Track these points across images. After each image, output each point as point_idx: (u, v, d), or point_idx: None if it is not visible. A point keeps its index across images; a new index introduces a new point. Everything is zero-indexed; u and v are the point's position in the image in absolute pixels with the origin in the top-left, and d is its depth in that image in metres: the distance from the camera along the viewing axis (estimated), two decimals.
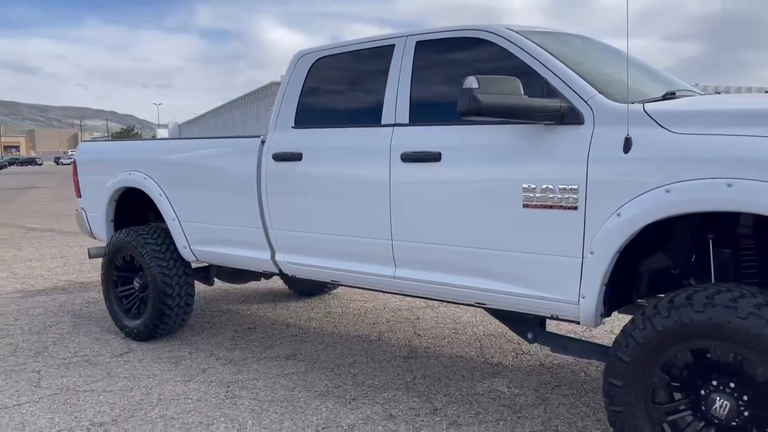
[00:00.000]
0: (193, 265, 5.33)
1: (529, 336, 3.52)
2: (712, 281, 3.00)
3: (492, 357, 4.64)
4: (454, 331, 5.30)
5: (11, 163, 76.45)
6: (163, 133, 52.52)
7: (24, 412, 3.83)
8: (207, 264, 5.28)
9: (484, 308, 3.54)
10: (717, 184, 2.55)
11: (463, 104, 2.90)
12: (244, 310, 6.24)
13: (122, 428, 3.57)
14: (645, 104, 2.90)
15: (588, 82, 3.08)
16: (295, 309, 6.21)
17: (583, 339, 3.46)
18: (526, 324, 3.51)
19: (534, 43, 3.28)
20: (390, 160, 3.58)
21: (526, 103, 2.96)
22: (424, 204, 3.48)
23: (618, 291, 3.11)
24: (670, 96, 3.17)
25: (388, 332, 5.34)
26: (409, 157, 3.50)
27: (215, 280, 5.59)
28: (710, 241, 3.01)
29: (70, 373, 4.50)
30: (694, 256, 3.13)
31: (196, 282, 5.44)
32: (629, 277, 3.20)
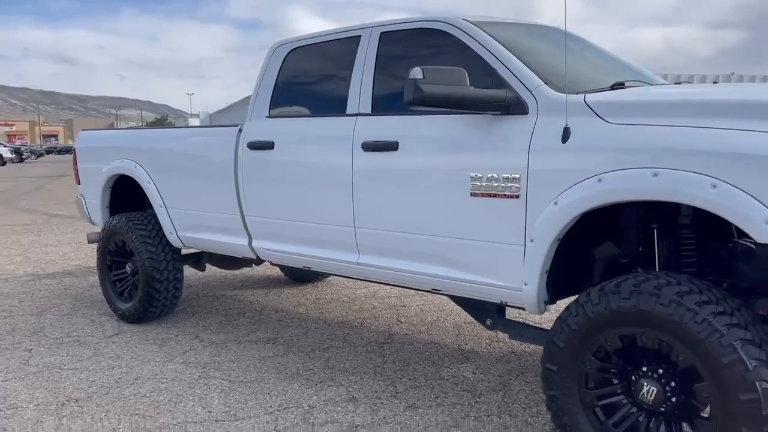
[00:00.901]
0: (185, 251, 5.50)
1: (488, 322, 3.59)
2: (656, 270, 3.04)
3: (466, 344, 4.71)
4: (436, 318, 5.38)
5: (49, 151, 78.23)
6: (194, 122, 53.34)
7: (8, 387, 4.03)
8: (199, 250, 5.44)
9: (440, 294, 3.61)
10: (644, 173, 2.59)
11: (408, 94, 2.98)
12: (237, 295, 6.40)
13: (95, 404, 3.74)
14: (586, 95, 2.93)
15: (536, 73, 3.12)
16: (287, 295, 6.35)
17: (539, 326, 3.50)
18: (485, 310, 3.57)
19: (487, 34, 3.33)
20: (353, 149, 3.67)
21: (471, 94, 3.02)
22: (383, 192, 3.56)
23: (568, 279, 3.16)
24: (618, 86, 3.19)
25: (371, 318, 5.44)
26: (369, 146, 3.59)
27: (214, 266, 5.76)
28: (655, 231, 3.04)
29: (60, 352, 4.70)
30: (641, 246, 3.16)
31: (194, 268, 5.64)
32: (582, 265, 3.25)
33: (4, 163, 44.51)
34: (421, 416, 3.51)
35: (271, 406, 3.66)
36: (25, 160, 48.73)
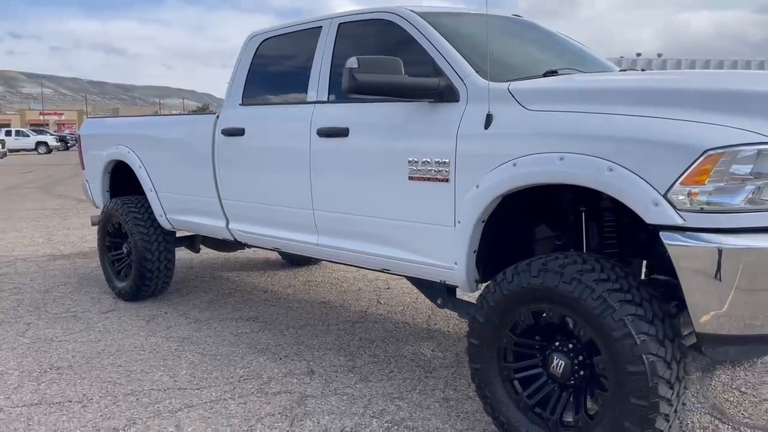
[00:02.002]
0: (180, 234, 5.78)
1: (439, 302, 3.74)
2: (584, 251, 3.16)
3: (435, 324, 4.88)
4: (414, 300, 5.55)
5: None
6: None
7: (0, 356, 4.35)
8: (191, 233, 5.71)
9: (390, 274, 3.78)
10: (552, 158, 2.71)
11: (344, 83, 3.15)
12: (233, 276, 6.67)
13: (74, 372, 4.04)
14: (511, 83, 3.06)
15: (470, 63, 3.25)
16: (281, 277, 6.59)
17: None
18: (436, 290, 3.72)
19: (430, 24, 3.47)
20: (310, 136, 3.85)
21: (404, 82, 3.17)
22: (335, 177, 3.75)
23: (508, 259, 3.29)
24: (550, 74, 3.30)
25: (352, 300, 5.64)
26: (323, 133, 3.77)
27: (209, 249, 6.02)
28: (583, 214, 3.16)
29: (55, 326, 5.02)
30: (574, 229, 3.28)
31: (189, 250, 5.92)
32: (522, 246, 3.38)
33: (50, 151, 46.08)
34: (369, 389, 3.70)
35: (233, 377, 3.90)
36: (71, 148, 50.22)
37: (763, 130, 2.37)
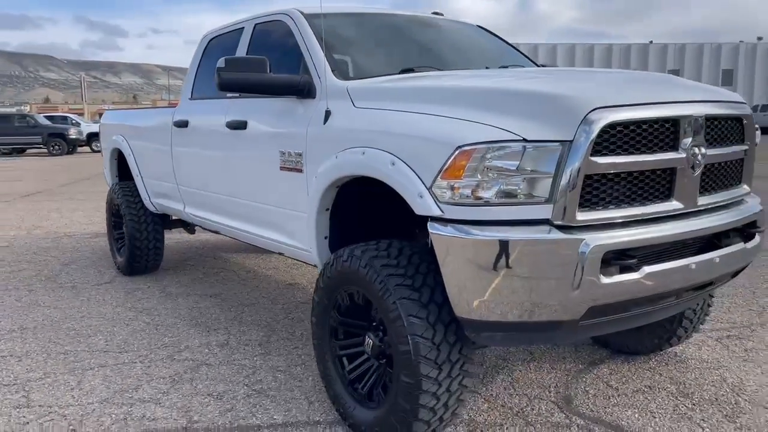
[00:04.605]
0: (175, 216, 6.33)
1: None
2: None
3: None
4: None
5: None
6: None
7: None
8: None
9: (285, 256, 4.09)
10: (357, 152, 2.93)
11: (215, 80, 3.48)
12: (232, 258, 7.17)
13: (33, 332, 4.64)
14: (351, 81, 3.28)
15: (330, 62, 3.49)
16: (273, 260, 7.01)
17: None
18: None
19: (309, 25, 3.73)
20: (224, 128, 4.22)
21: (266, 79, 3.46)
22: (238, 167, 4.10)
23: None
24: (407, 71, 3.47)
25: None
26: (231, 125, 4.12)
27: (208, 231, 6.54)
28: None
29: (51, 294, 5.71)
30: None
31: (186, 231, 6.46)
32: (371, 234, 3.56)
33: None
34: (265, 361, 4.03)
35: (156, 345, 4.36)
36: None
37: (522, 128, 2.47)
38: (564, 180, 2.40)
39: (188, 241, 8.01)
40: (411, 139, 2.67)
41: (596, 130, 2.41)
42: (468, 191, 2.49)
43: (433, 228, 2.56)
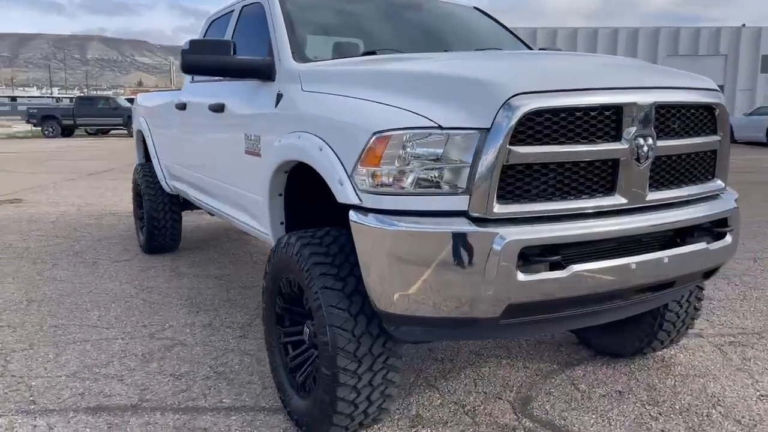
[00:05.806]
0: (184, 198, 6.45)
1: None
2: None
3: None
4: None
5: None
6: None
7: (5, 288, 5.30)
8: None
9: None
10: (294, 136, 2.87)
11: (179, 63, 3.49)
12: (253, 239, 7.25)
13: (39, 305, 4.84)
14: (302, 64, 3.21)
15: (292, 44, 3.43)
16: None
17: None
18: None
19: (280, 7, 3.67)
20: (207, 110, 4.24)
21: (228, 62, 3.43)
22: (215, 149, 4.12)
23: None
24: (368, 54, 3.37)
25: None
26: (212, 108, 4.14)
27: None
28: None
29: (71, 268, 5.94)
30: None
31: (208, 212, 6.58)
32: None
33: None
34: (239, 344, 4.05)
35: (142, 323, 4.45)
36: None
37: (442, 114, 2.34)
38: (480, 170, 2.26)
39: (218, 222, 8.16)
40: (336, 124, 2.59)
41: (516, 117, 2.25)
42: (386, 179, 2.38)
43: (353, 216, 2.47)
